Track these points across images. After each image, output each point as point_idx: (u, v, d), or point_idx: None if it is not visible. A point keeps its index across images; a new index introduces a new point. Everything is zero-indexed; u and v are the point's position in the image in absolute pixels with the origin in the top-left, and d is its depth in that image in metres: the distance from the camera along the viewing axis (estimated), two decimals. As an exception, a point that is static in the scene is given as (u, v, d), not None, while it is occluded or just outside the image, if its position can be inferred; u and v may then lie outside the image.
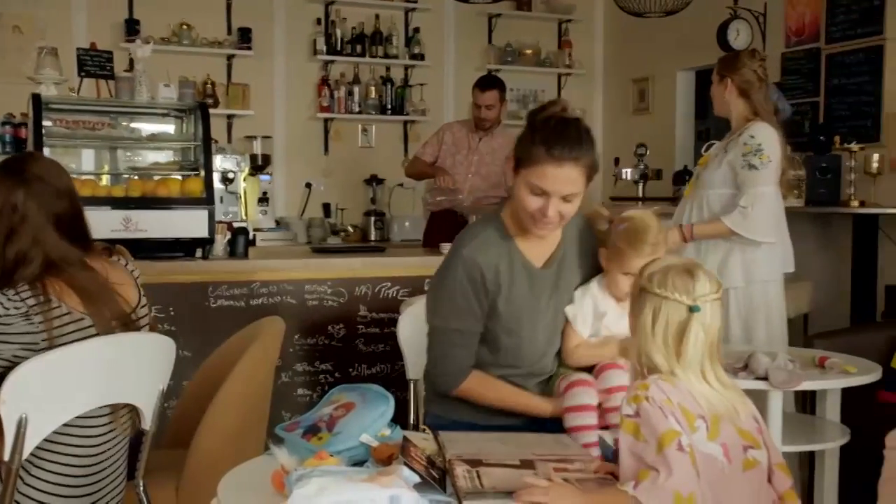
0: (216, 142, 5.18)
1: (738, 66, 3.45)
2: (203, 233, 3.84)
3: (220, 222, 4.02)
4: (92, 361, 2.13)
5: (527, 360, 2.21)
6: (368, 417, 1.85)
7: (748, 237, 3.31)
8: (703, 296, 1.69)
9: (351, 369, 3.99)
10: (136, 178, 4.15)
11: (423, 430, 2.00)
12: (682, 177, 5.65)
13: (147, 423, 2.27)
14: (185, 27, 6.09)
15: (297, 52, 6.50)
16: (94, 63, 4.13)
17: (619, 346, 2.18)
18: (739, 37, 5.50)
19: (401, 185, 6.36)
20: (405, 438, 1.74)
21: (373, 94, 6.62)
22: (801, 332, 4.68)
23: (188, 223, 3.83)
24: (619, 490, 1.59)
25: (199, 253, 3.88)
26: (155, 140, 4.36)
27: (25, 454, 2.02)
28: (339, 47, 6.51)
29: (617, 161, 6.41)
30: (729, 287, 3.30)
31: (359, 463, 1.77)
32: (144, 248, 3.60)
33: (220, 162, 5.23)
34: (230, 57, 6.27)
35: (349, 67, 6.61)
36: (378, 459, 1.74)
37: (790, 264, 3.49)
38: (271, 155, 6.25)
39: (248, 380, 2.57)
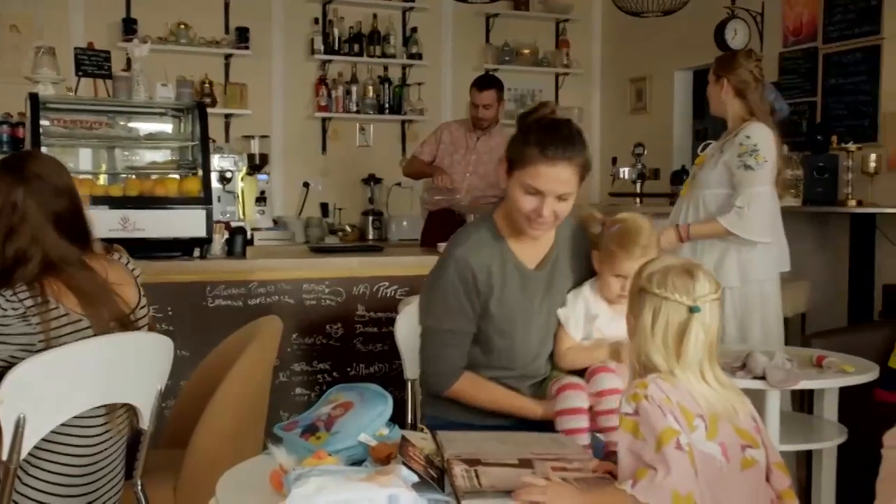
0: (214, 141, 5.16)
1: (735, 66, 3.45)
2: (201, 232, 3.84)
3: (218, 222, 4.01)
4: (90, 361, 2.13)
5: (520, 361, 2.22)
6: (367, 417, 1.84)
7: (744, 237, 3.32)
8: (703, 296, 1.69)
9: (349, 369, 3.99)
10: (133, 177, 4.14)
11: (422, 430, 2.00)
12: (679, 176, 5.65)
13: (145, 422, 2.27)
14: (182, 27, 6.08)
15: (295, 52, 6.50)
16: (91, 62, 4.12)
17: (611, 349, 2.19)
18: (737, 36, 5.50)
19: (398, 184, 6.36)
20: (403, 438, 1.74)
21: (370, 94, 6.62)
22: (799, 331, 4.69)
23: (186, 223, 3.82)
24: (617, 489, 1.59)
25: (196, 252, 3.88)
26: (152, 139, 4.35)
27: (23, 454, 2.02)
28: (336, 47, 6.51)
29: (615, 160, 6.40)
30: (725, 287, 3.30)
31: (357, 462, 1.76)
32: (142, 248, 3.58)
33: (217, 161, 5.19)
34: (228, 56, 6.27)
35: (347, 67, 6.61)
36: (376, 459, 1.74)
37: (786, 264, 3.49)
38: (269, 154, 6.24)
39: (246, 379, 2.57)
